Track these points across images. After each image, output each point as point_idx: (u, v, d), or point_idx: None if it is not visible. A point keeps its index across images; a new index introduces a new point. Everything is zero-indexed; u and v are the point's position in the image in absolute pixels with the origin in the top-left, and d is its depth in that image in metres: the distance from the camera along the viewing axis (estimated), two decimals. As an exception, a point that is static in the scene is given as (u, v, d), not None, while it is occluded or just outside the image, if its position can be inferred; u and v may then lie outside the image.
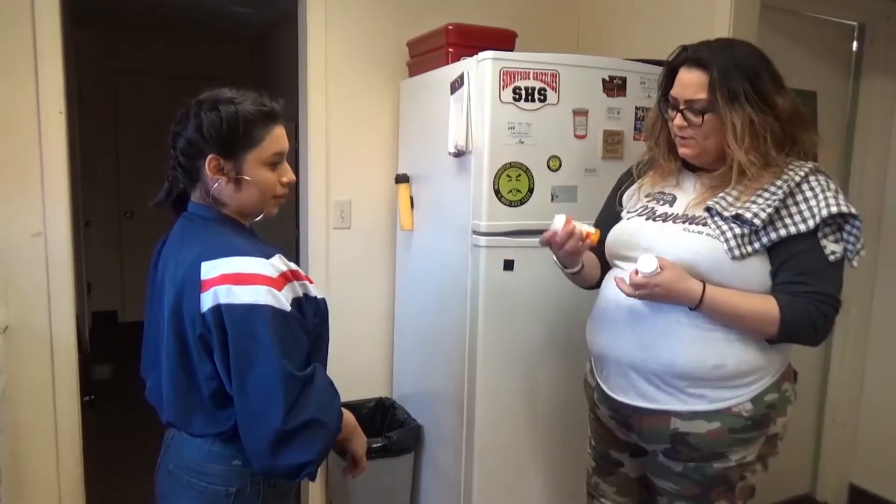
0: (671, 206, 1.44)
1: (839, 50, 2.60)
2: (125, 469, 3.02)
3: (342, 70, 2.40)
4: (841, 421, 2.73)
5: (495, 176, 1.84)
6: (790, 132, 1.33)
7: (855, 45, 2.61)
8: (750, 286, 1.31)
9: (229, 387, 1.10)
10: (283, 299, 1.09)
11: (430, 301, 2.21)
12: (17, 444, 2.06)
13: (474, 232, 1.89)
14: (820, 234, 1.29)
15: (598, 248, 1.57)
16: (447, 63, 2.08)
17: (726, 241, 1.30)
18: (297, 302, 1.13)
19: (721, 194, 1.34)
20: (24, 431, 2.07)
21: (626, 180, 1.63)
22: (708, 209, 1.34)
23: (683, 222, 1.38)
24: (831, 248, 1.29)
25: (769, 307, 1.28)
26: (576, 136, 1.91)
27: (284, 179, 1.24)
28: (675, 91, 1.38)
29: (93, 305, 5.22)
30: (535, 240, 1.88)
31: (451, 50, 2.10)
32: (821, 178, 1.32)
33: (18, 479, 2.06)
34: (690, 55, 1.36)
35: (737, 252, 1.29)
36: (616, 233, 1.50)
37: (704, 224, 1.34)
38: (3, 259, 2.00)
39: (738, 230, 1.30)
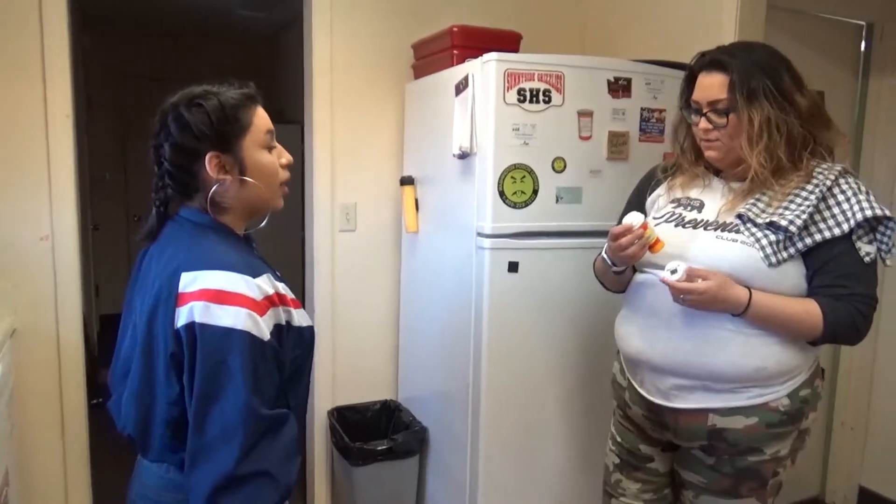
0: (699, 212, 1.43)
1: (847, 49, 2.58)
2: (130, 466, 3.02)
3: (347, 73, 2.40)
4: (850, 423, 2.71)
5: (500, 177, 1.84)
6: (811, 130, 1.33)
7: (863, 44, 2.59)
8: (786, 290, 1.32)
9: (189, 412, 0.99)
10: (263, 326, 0.99)
11: (435, 303, 2.21)
12: (25, 447, 2.07)
13: (479, 234, 1.89)
14: (854, 237, 1.30)
15: None
16: (452, 65, 2.08)
17: (762, 248, 1.31)
18: (277, 330, 1.03)
19: (752, 200, 1.35)
20: (32, 434, 2.08)
21: (647, 184, 1.62)
22: (739, 216, 1.35)
23: (715, 229, 1.38)
24: (865, 249, 1.30)
25: (812, 311, 1.30)
26: (581, 137, 1.91)
27: (283, 161, 1.17)
28: (697, 95, 1.40)
29: (101, 308, 5.24)
30: (540, 242, 1.90)
31: (455, 52, 2.10)
32: (851, 180, 1.33)
33: (26, 482, 2.07)
34: (709, 59, 1.38)
35: (773, 259, 1.31)
36: None
37: (737, 231, 1.35)
38: (11, 262, 2.02)
39: (772, 237, 1.31)
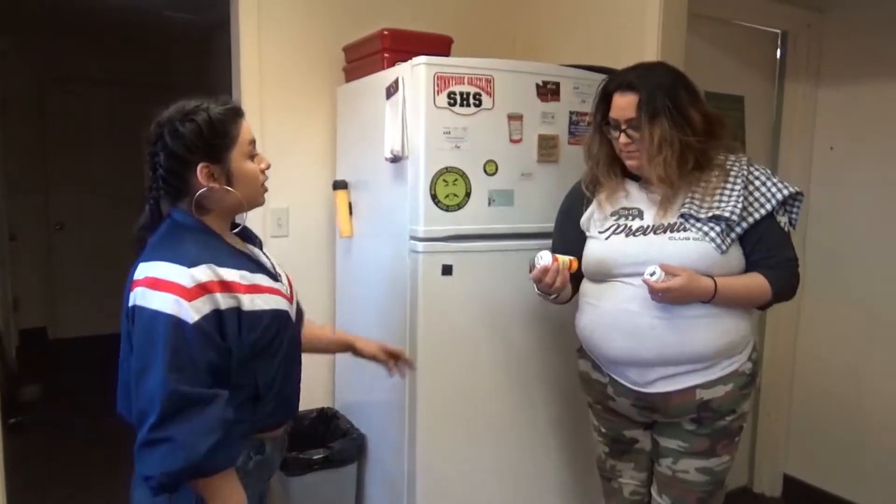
0: (641, 219, 1.59)
1: (765, 56, 2.71)
2: (54, 496, 2.86)
3: (277, 75, 2.36)
4: (773, 414, 2.83)
5: (432, 181, 1.83)
6: (707, 139, 1.53)
7: (779, 51, 2.72)
8: (735, 270, 1.54)
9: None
10: (189, 310, 1.13)
11: (370, 307, 2.19)
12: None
13: (412, 237, 1.88)
14: (774, 212, 1.53)
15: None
16: (383, 68, 2.06)
17: (712, 239, 1.50)
18: (215, 315, 1.16)
19: (688, 200, 1.53)
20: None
21: (578, 202, 1.74)
22: (683, 215, 1.53)
23: (664, 232, 1.54)
24: (782, 220, 1.55)
25: (761, 283, 1.53)
26: (511, 140, 1.92)
27: (262, 166, 1.34)
28: (615, 113, 1.57)
29: (20, 322, 4.98)
30: (473, 244, 1.90)
31: (386, 55, 2.09)
32: (757, 166, 1.57)
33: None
34: (622, 81, 1.56)
35: (723, 247, 1.50)
36: (602, 253, 1.62)
37: (684, 229, 1.53)
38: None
39: (717, 228, 1.50)
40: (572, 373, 1.87)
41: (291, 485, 2.15)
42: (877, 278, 2.54)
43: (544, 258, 1.59)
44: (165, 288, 1.14)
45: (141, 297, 1.15)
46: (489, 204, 1.92)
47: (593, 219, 1.68)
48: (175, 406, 1.10)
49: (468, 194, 1.89)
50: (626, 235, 1.59)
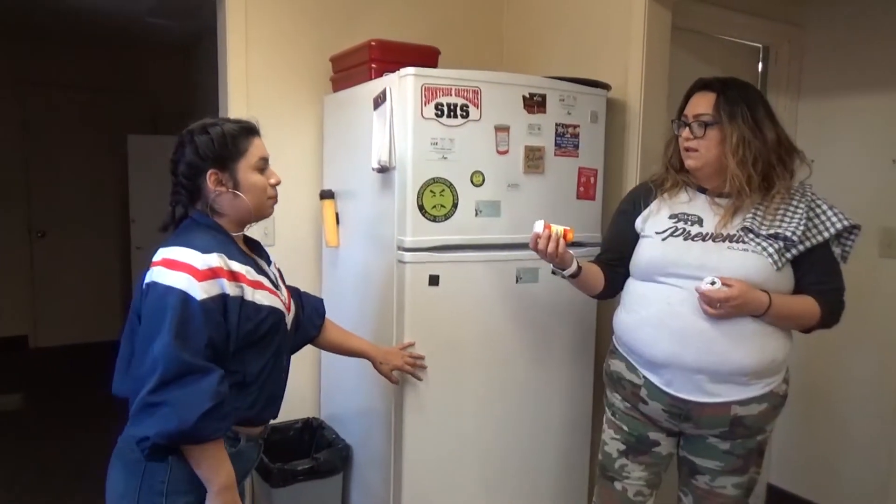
0: (700, 226, 1.62)
1: (746, 70, 2.74)
2: (34, 505, 2.83)
3: (264, 84, 2.36)
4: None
5: (419, 191, 1.84)
6: (778, 156, 1.57)
7: (760, 65, 2.76)
8: (786, 290, 1.56)
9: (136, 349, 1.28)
10: (198, 289, 1.25)
11: (357, 318, 2.18)
12: None
13: (399, 248, 1.88)
14: (830, 241, 1.57)
15: (604, 258, 1.82)
16: (370, 79, 2.07)
17: (770, 255, 1.53)
18: (221, 298, 1.29)
19: (750, 215, 1.57)
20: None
21: (640, 197, 1.77)
22: (744, 229, 1.56)
23: (723, 241, 1.57)
24: (836, 251, 1.59)
25: (811, 306, 1.56)
26: (498, 151, 1.94)
27: (272, 181, 1.46)
28: (687, 110, 1.63)
29: (1, 330, 4.93)
30: (460, 255, 1.91)
31: (374, 66, 2.09)
32: (819, 196, 1.60)
33: None
34: (704, 82, 1.63)
35: (779, 263, 1.53)
36: (659, 251, 1.64)
37: (743, 241, 1.55)
38: None
39: (775, 245, 1.53)
40: (561, 382, 1.88)
41: (276, 496, 2.13)
42: (854, 291, 2.57)
43: (537, 226, 1.63)
44: (180, 268, 1.26)
45: (157, 274, 1.26)
46: (476, 215, 1.93)
47: (651, 219, 1.70)
48: (175, 371, 1.19)
49: (455, 205, 1.89)
50: (685, 239, 1.61)
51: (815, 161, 2.68)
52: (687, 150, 1.62)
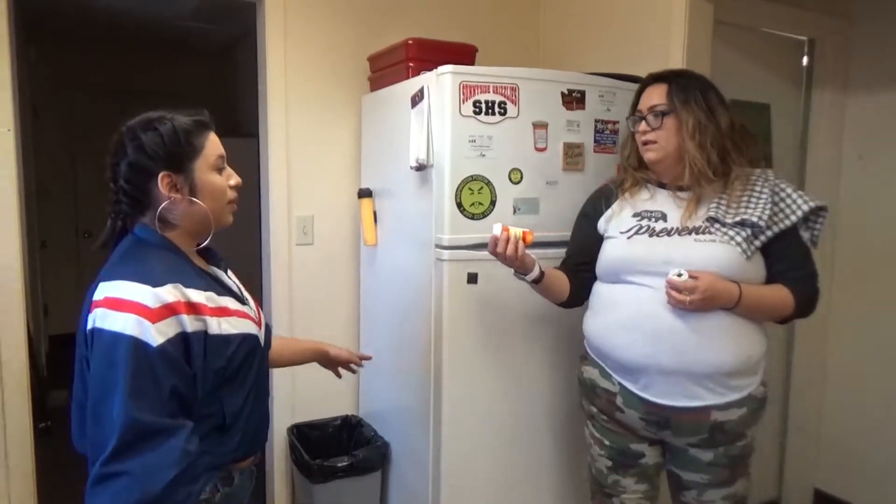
0: (665, 221, 1.59)
1: (791, 64, 2.67)
2: (82, 499, 2.90)
3: (302, 85, 2.39)
4: (803, 426, 2.78)
5: (457, 189, 1.84)
6: (731, 142, 1.55)
7: (805, 59, 2.68)
8: (757, 279, 1.52)
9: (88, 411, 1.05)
10: (152, 332, 1.03)
11: (395, 316, 2.20)
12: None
13: (437, 246, 1.88)
14: (798, 226, 1.53)
15: (569, 263, 1.78)
16: (408, 77, 2.08)
17: (738, 244, 1.49)
18: (181, 338, 1.07)
19: (714, 205, 1.53)
20: (-27, 461, 1.99)
21: (600, 200, 1.75)
22: (710, 219, 1.53)
23: (689, 234, 1.53)
24: (804, 235, 1.54)
25: (784, 294, 1.52)
26: (536, 148, 1.92)
27: (232, 182, 1.25)
28: (641, 104, 1.63)
29: (51, 328, 5.07)
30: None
31: (411, 64, 2.10)
32: (783, 181, 1.56)
33: (-34, 512, 1.98)
34: (655, 76, 1.63)
35: (749, 252, 1.49)
36: (624, 251, 1.61)
37: (709, 232, 1.52)
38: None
39: (742, 233, 1.49)
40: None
41: (316, 492, 2.15)
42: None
43: (495, 229, 1.59)
44: (127, 308, 1.03)
45: (101, 318, 1.04)
46: (514, 212, 1.92)
47: (614, 219, 1.68)
48: (134, 436, 1.00)
49: (493, 202, 1.89)
50: (650, 236, 1.58)
51: (862, 157, 2.63)
52: (645, 143, 1.61)
